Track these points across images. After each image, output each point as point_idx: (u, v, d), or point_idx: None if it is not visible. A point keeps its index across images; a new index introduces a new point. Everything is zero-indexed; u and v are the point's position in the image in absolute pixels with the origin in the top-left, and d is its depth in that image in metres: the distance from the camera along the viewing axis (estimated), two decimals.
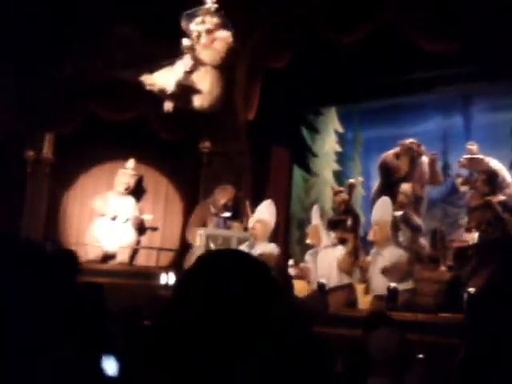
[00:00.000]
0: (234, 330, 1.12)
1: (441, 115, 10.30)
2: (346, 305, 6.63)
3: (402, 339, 3.18)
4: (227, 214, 7.93)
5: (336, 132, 11.24)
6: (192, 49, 7.19)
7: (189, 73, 7.22)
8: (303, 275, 7.23)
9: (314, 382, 2.65)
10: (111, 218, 9.34)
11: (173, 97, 7.31)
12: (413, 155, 8.62)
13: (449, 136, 10.14)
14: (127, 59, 8.18)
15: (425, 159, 8.76)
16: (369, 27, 7.66)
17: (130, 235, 9.44)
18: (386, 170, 8.73)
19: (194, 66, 7.27)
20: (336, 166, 11.18)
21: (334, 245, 7.25)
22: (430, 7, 7.33)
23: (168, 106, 7.38)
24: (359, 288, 7.03)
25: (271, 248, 7.20)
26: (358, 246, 7.98)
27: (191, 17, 7.21)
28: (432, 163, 8.64)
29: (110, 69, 8.42)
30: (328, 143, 11.14)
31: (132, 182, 9.56)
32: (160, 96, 7.39)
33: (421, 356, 4.54)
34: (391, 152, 8.84)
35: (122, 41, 8.27)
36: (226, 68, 7.53)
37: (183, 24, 7.19)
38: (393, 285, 6.20)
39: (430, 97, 10.08)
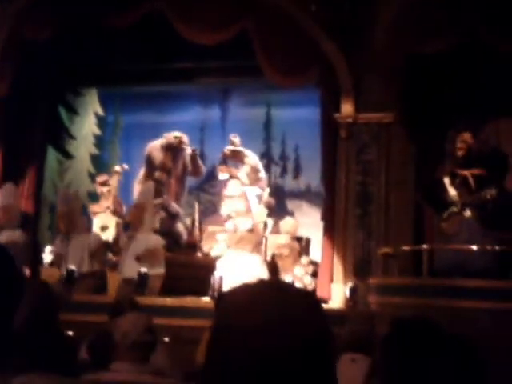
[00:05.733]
0: None
1: (201, 106, 10.62)
2: (95, 291, 6.51)
3: (148, 324, 3.18)
4: None
5: (96, 114, 10.95)
6: None
7: None
8: (56, 261, 6.97)
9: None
10: None
11: None
12: (176, 149, 8.93)
13: (207, 127, 10.53)
14: None
15: (187, 152, 9.06)
16: (140, 13, 7.53)
17: None
18: (151, 162, 8.90)
19: None
20: (94, 150, 10.91)
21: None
22: None
23: None
24: (111, 274, 6.95)
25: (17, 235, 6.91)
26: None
27: None
28: (193, 158, 9.08)
29: None
30: (87, 125, 10.81)
31: None
32: None
33: (166, 339, 4.63)
34: (157, 143, 8.97)
35: None
36: None
37: None
38: (143, 270, 6.24)
39: (192, 87, 10.33)
